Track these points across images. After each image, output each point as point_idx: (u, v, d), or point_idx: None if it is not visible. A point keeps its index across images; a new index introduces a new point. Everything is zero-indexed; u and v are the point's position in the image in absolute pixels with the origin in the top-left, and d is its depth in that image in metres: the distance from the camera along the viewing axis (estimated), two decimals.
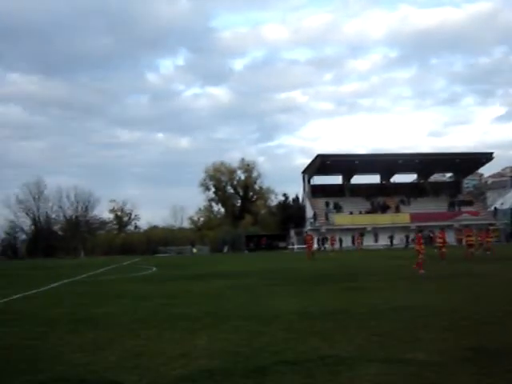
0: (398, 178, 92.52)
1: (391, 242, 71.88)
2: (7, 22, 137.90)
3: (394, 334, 8.98)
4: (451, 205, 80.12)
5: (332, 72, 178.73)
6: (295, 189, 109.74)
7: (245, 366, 7.07)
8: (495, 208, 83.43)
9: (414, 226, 74.24)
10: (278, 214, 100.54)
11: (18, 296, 17.77)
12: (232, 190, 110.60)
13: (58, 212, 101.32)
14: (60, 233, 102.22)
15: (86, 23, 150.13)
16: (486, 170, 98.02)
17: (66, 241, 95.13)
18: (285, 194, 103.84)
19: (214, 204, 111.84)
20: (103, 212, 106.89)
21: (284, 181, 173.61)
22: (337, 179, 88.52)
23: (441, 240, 31.80)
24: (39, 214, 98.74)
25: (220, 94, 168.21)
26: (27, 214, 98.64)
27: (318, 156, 78.69)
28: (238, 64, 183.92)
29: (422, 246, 24.44)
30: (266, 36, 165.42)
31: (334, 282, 19.86)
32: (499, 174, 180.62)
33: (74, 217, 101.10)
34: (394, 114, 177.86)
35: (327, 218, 76.65)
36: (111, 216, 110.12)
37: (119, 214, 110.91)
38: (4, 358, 8.14)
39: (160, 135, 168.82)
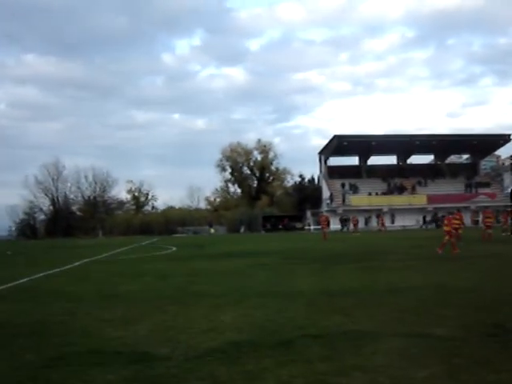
0: (415, 159, 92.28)
1: (424, 221, 71.69)
2: (23, 2, 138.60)
3: (413, 310, 9.22)
4: (468, 186, 79.83)
5: (348, 52, 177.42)
6: (311, 170, 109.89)
7: (271, 339, 7.35)
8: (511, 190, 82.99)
9: (430, 207, 74.37)
10: (294, 194, 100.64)
11: (41, 274, 18.07)
12: (248, 171, 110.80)
13: (76, 193, 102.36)
14: (78, 213, 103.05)
15: (102, 3, 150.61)
16: (504, 152, 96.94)
17: (85, 221, 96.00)
18: (301, 175, 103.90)
19: (230, 185, 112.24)
20: (121, 192, 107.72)
21: (300, 162, 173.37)
22: (353, 160, 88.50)
23: (457, 221, 31.81)
24: (58, 195, 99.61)
25: (236, 74, 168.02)
26: (46, 194, 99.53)
27: (335, 137, 78.63)
28: (254, 44, 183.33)
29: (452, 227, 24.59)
30: (282, 16, 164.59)
31: (353, 261, 20.12)
32: None
33: (92, 197, 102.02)
34: (411, 95, 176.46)
35: (344, 199, 76.75)
36: (129, 196, 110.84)
37: (136, 194, 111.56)
38: (36, 332, 8.40)
39: (176, 116, 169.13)
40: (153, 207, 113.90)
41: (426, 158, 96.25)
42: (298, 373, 5.80)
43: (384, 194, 78.80)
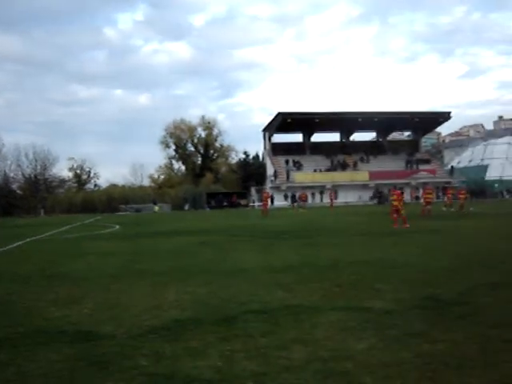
0: (358, 136, 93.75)
1: (380, 197, 72.64)
2: None
3: (353, 285, 9.51)
4: (408, 163, 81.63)
5: (293, 29, 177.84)
6: (256, 146, 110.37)
7: (214, 315, 7.49)
8: (452, 167, 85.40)
9: (372, 183, 75.77)
10: (238, 171, 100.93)
11: None
12: (192, 148, 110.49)
13: (16, 171, 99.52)
14: (19, 192, 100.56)
15: None
16: (445, 129, 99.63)
17: (26, 200, 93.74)
18: (245, 152, 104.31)
19: (174, 162, 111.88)
20: (62, 170, 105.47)
21: (245, 139, 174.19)
22: (297, 137, 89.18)
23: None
24: None
25: (180, 49, 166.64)
26: None
27: (279, 114, 78.89)
28: (199, 19, 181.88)
29: (402, 202, 25.29)
30: None
31: (297, 237, 20.42)
32: (457, 133, 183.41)
33: (32, 175, 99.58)
34: (354, 72, 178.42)
35: (288, 176, 77.35)
36: (70, 174, 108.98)
37: (78, 172, 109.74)
38: None
39: (118, 92, 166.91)
40: (95, 185, 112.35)
41: (369, 135, 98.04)
42: (240, 347, 5.95)
43: (327, 170, 79.76)
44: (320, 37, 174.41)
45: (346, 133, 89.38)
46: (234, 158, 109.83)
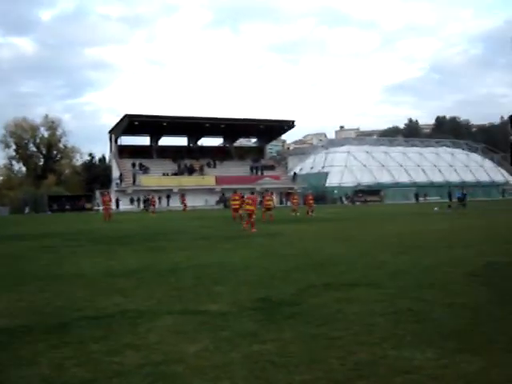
0: (206, 142, 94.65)
1: (225, 201, 71.72)
2: None
3: (192, 288, 9.65)
4: (253, 169, 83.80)
5: (145, 30, 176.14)
6: (102, 149, 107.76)
7: (46, 323, 7.29)
8: (294, 173, 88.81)
9: (218, 188, 76.82)
10: (83, 174, 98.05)
11: None
12: (34, 148, 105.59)
13: None
14: None
15: None
16: (291, 137, 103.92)
17: None
18: (91, 154, 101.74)
19: (14, 162, 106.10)
20: None
21: (91, 140, 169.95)
22: (145, 140, 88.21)
23: (236, 202, 33.30)
24: None
25: (24, 44, 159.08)
26: None
27: (126, 116, 77.56)
28: (46, 15, 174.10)
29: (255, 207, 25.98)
30: None
31: (141, 242, 20.26)
32: (301, 141, 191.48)
33: None
34: (205, 77, 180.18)
35: (134, 180, 76.26)
36: None
37: None
38: None
39: None
40: None
41: (217, 141, 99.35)
42: (71, 354, 5.84)
43: (174, 174, 79.68)
44: (171, 40, 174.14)
45: (194, 137, 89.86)
46: (79, 160, 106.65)
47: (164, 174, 78.56)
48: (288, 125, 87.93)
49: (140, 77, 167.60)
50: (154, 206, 57.68)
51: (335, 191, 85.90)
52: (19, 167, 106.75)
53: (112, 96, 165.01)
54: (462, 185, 69.15)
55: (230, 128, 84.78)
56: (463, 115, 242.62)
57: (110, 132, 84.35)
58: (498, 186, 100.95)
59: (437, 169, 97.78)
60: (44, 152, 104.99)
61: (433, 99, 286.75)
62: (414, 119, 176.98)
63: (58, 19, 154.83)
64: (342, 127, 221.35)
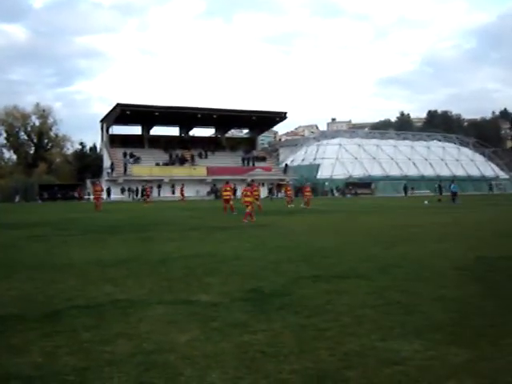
0: (197, 132, 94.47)
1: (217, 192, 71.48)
2: None
3: (183, 279, 9.69)
4: (245, 160, 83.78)
5: (137, 19, 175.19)
6: (93, 137, 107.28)
7: (38, 311, 7.30)
8: (286, 165, 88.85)
9: (209, 178, 76.81)
10: (74, 163, 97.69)
11: None
12: (25, 137, 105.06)
13: None
14: None
15: None
16: (282, 129, 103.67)
17: None
18: (82, 143, 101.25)
19: (5, 151, 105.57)
20: None
21: (82, 129, 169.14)
22: (136, 129, 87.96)
23: (227, 193, 33.30)
24: None
25: (15, 32, 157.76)
26: None
27: (118, 105, 77.26)
28: (38, 2, 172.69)
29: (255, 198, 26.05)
30: None
31: (132, 232, 20.26)
32: (293, 133, 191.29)
33: None
34: (197, 67, 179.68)
35: (125, 169, 76.07)
36: None
37: None
38: None
39: None
40: None
41: (208, 131, 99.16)
42: (63, 343, 5.87)
43: (166, 164, 79.54)
44: (164, 29, 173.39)
45: (186, 128, 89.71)
46: (70, 149, 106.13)
47: (156, 164, 78.39)
48: (280, 116, 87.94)
49: (132, 66, 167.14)
50: (148, 196, 57.42)
51: (326, 183, 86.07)
52: (10, 155, 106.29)
53: (103, 85, 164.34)
54: (453, 179, 69.33)
55: (222, 119, 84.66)
56: (455, 109, 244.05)
57: (102, 121, 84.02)
58: (488, 180, 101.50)
59: (428, 162, 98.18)
60: (35, 140, 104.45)
61: (425, 93, 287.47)
62: (405, 112, 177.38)
63: (50, 7, 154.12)
64: (333, 119, 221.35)
